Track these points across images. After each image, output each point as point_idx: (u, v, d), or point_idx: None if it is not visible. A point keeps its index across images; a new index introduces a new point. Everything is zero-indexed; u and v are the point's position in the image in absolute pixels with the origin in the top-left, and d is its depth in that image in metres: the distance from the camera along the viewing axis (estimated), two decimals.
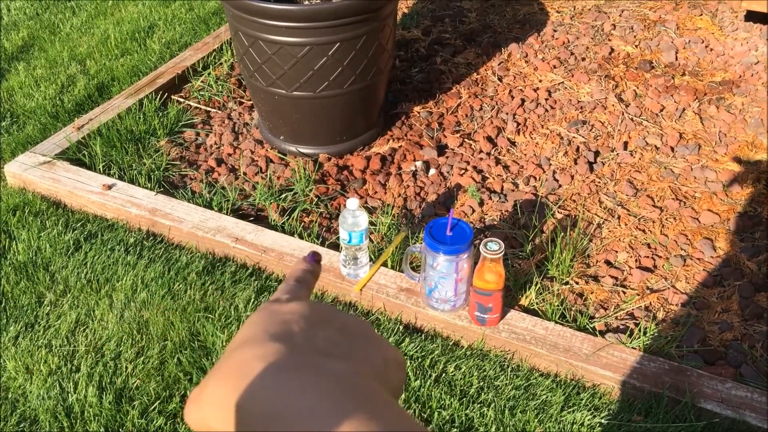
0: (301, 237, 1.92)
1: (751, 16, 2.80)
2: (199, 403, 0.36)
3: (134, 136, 2.29)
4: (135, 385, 1.57)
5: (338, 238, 1.80)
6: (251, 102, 2.45)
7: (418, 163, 2.19)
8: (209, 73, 2.62)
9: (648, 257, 1.87)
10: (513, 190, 2.09)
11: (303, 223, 1.99)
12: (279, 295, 0.44)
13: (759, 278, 1.80)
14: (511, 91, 2.50)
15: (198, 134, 2.36)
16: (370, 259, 1.81)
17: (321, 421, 0.32)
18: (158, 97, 2.46)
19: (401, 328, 1.69)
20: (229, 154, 2.26)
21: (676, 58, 2.66)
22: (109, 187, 2.06)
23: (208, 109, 2.48)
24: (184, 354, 1.62)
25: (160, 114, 2.40)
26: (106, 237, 1.94)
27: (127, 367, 1.60)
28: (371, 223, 1.97)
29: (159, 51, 2.81)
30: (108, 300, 1.77)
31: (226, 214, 1.99)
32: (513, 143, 2.28)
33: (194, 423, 0.37)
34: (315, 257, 0.49)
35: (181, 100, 2.52)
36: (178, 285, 1.79)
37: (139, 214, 1.98)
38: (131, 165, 2.18)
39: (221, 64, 2.69)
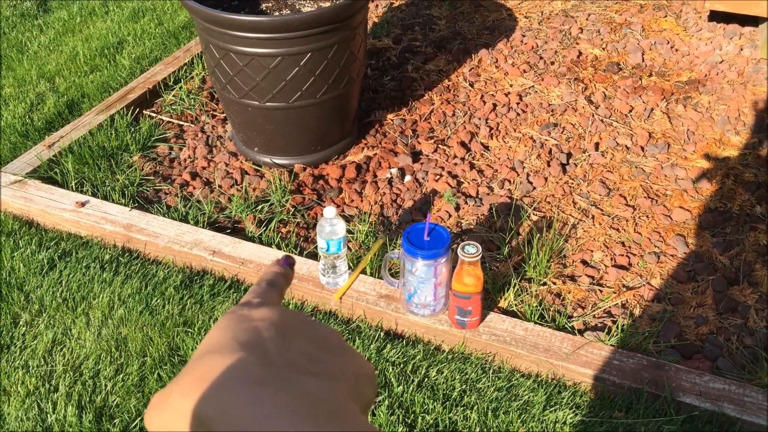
0: (279, 248, 1.91)
1: (715, 16, 2.86)
2: (163, 411, 0.34)
3: (106, 152, 2.27)
4: (115, 402, 1.55)
5: (316, 248, 1.80)
6: (224, 114, 2.44)
7: (394, 170, 2.20)
8: (181, 87, 2.61)
9: (623, 255, 1.89)
10: (488, 194, 2.11)
11: (280, 234, 1.98)
12: (249, 298, 0.42)
13: (731, 272, 1.83)
14: (482, 96, 2.53)
15: (171, 148, 2.35)
16: (349, 267, 1.81)
17: None
18: (130, 113, 2.44)
19: (382, 334, 1.69)
20: (204, 168, 2.25)
21: (643, 60, 2.70)
22: (83, 205, 2.04)
23: (181, 123, 2.47)
24: (164, 369, 1.61)
25: (132, 129, 2.38)
26: (81, 255, 1.92)
27: (106, 385, 1.58)
28: (349, 231, 1.97)
29: (129, 66, 2.79)
30: (85, 318, 1.75)
31: (203, 228, 1.98)
32: (486, 148, 2.30)
33: (156, 430, 0.35)
34: (288, 261, 0.47)
35: (153, 114, 2.50)
36: (156, 300, 1.78)
37: (113, 231, 1.96)
38: (104, 181, 2.16)
39: (192, 77, 2.68)
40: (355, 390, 0.36)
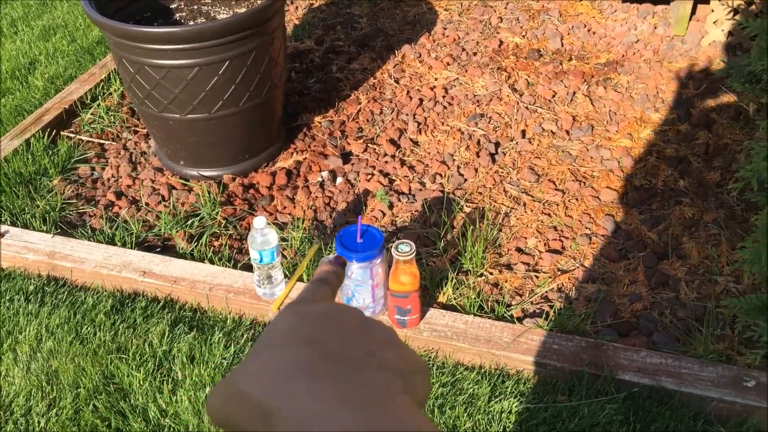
0: (212, 262, 1.87)
1: None
2: (226, 399, 0.36)
3: (24, 178, 2.18)
4: None
5: (250, 259, 1.77)
6: (146, 130, 2.37)
7: (325, 173, 2.18)
8: (99, 105, 2.52)
9: (556, 240, 1.92)
10: (420, 190, 2.11)
11: (213, 248, 1.94)
12: (304, 295, 0.44)
13: (660, 247, 1.88)
14: (408, 92, 2.53)
15: (93, 169, 2.27)
16: (285, 276, 1.78)
17: None
18: (46, 135, 2.35)
19: None
20: (129, 186, 2.18)
21: (562, 45, 2.75)
22: (2, 235, 1.95)
23: (102, 141, 2.39)
24: (100, 399, 1.55)
25: (50, 152, 2.29)
26: (3, 288, 1.84)
27: (39, 422, 1.52)
28: (283, 238, 1.94)
29: (43, 87, 2.69)
30: (12, 354, 1.67)
31: (131, 248, 1.92)
32: (416, 143, 2.30)
33: (217, 417, 0.36)
34: (339, 260, 0.49)
35: (72, 135, 2.42)
36: (86, 328, 1.71)
37: (36, 260, 1.88)
38: (23, 209, 2.07)
39: (111, 93, 2.60)
40: (411, 384, 0.38)
